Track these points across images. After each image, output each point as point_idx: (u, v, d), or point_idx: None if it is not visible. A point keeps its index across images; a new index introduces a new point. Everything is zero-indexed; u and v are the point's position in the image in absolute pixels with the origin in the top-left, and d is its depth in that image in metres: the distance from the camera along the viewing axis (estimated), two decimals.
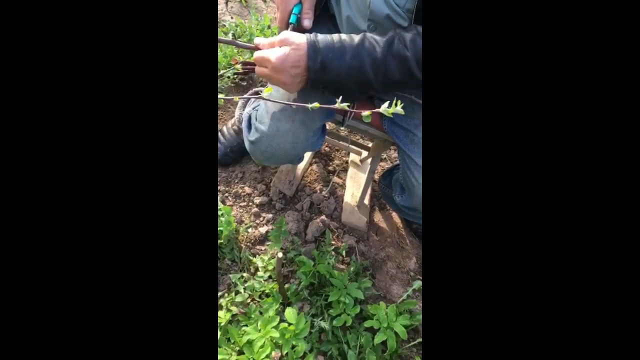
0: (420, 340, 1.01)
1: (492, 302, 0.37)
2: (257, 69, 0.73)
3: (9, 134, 0.34)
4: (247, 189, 1.26)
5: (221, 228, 1.03)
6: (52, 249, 0.35)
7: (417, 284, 1.05)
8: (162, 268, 0.37)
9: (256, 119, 0.85)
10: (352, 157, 1.43)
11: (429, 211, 0.39)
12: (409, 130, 0.88)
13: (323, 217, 1.24)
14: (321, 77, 0.70)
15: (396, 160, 1.52)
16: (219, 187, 1.24)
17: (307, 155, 1.37)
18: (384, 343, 0.96)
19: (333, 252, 1.12)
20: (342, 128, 1.03)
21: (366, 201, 1.31)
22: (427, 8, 0.45)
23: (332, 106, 0.61)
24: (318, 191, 1.31)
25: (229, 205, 1.21)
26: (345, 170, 1.42)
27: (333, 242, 1.19)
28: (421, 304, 1.12)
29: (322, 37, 0.70)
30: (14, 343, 0.33)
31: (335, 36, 0.71)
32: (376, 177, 1.44)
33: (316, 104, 0.59)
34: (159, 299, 0.37)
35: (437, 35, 0.40)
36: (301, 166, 1.33)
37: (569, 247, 0.36)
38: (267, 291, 1.02)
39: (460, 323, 0.38)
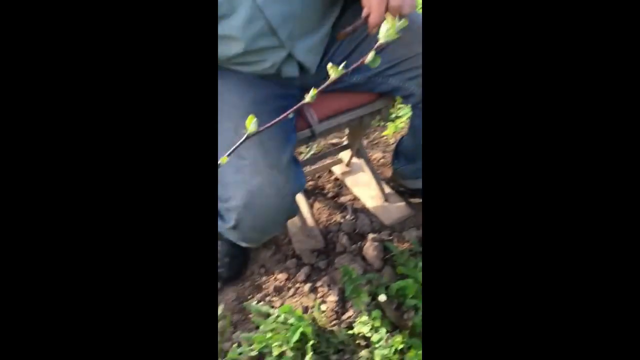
0: None
1: (492, 294, 0.36)
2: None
3: (6, 133, 0.33)
4: (281, 276, 1.07)
5: (303, 330, 0.83)
6: (52, 249, 0.34)
7: None
8: (163, 266, 0.36)
9: (219, 202, 0.72)
10: (338, 168, 1.29)
11: (429, 204, 0.38)
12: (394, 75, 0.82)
13: (370, 236, 1.08)
14: None
15: (378, 155, 1.41)
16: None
17: (303, 203, 1.21)
18: None
19: (413, 257, 0.97)
20: (310, 145, 0.91)
21: (387, 190, 1.17)
22: (426, 6, 0.43)
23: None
24: (341, 220, 1.15)
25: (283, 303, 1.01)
26: (344, 185, 1.27)
27: (400, 248, 1.03)
28: None
29: None
30: (13, 343, 0.33)
31: None
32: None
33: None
34: (160, 297, 0.35)
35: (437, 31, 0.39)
36: (308, 215, 1.17)
37: (569, 241, 0.34)
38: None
39: (460, 317, 0.36)
